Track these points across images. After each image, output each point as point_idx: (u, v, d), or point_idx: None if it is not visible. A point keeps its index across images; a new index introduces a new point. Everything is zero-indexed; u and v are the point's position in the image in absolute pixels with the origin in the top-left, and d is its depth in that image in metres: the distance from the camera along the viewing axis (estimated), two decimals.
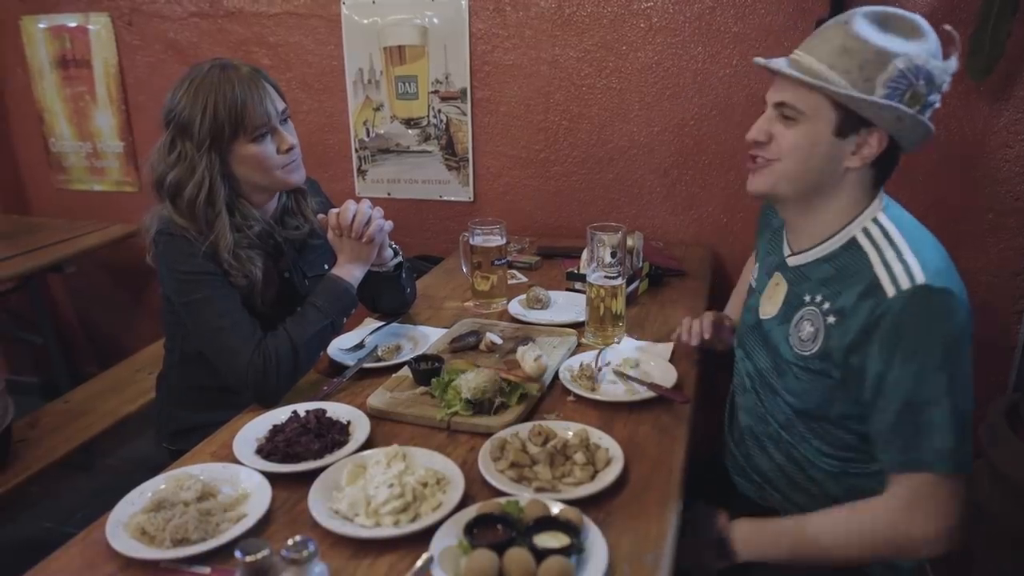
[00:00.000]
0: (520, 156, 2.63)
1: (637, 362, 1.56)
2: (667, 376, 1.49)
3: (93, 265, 3.27)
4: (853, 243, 1.25)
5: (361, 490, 1.12)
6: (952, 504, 1.14)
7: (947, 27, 1.22)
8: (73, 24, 3.05)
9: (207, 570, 1.03)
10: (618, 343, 1.67)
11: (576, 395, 1.45)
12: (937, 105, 1.21)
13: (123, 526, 1.10)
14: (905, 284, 1.13)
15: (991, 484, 2.01)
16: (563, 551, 0.96)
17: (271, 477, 1.19)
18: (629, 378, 1.48)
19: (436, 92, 2.63)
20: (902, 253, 1.17)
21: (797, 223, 1.35)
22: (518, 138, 2.61)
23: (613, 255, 1.64)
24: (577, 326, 1.77)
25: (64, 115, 3.20)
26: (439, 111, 2.65)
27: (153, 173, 1.56)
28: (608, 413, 1.40)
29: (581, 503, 1.10)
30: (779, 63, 1.23)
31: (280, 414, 1.38)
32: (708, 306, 1.95)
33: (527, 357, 1.49)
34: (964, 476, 1.15)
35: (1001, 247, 2.21)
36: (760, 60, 1.26)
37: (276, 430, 1.32)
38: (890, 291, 1.14)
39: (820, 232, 1.30)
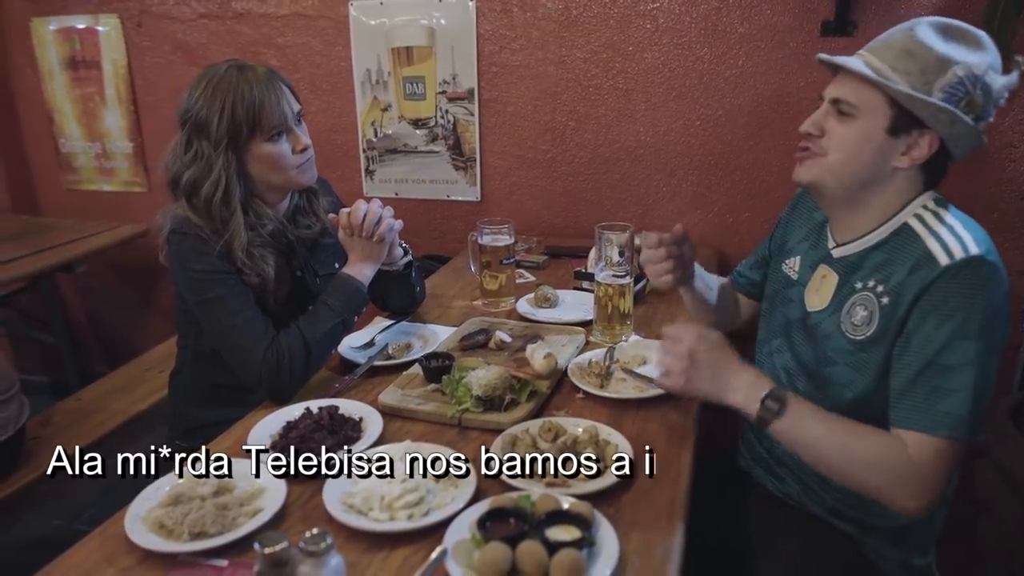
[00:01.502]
0: (527, 156, 2.64)
1: (645, 360, 1.57)
2: None
3: (103, 265, 3.29)
4: (905, 228, 1.27)
5: (375, 484, 1.13)
6: (946, 472, 1.16)
7: (1019, 57, 1.25)
8: (83, 26, 3.08)
9: (225, 563, 1.05)
10: (626, 341, 1.69)
11: (585, 392, 1.47)
12: (991, 119, 1.24)
13: (141, 520, 1.12)
14: (959, 254, 1.16)
15: (997, 482, 2.02)
16: (575, 544, 0.98)
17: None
18: (637, 375, 1.50)
19: (443, 93, 2.65)
20: (955, 229, 1.20)
21: (840, 216, 1.36)
22: (525, 138, 2.63)
23: (621, 254, 1.65)
24: (585, 324, 1.78)
25: (74, 116, 3.23)
26: (446, 111, 2.67)
27: (168, 172, 1.58)
28: (617, 410, 1.41)
29: (591, 498, 1.11)
30: (847, 60, 1.25)
31: (293, 411, 1.40)
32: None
33: (536, 355, 1.51)
34: (965, 441, 1.16)
35: (1006, 246, 2.22)
36: (824, 56, 1.29)
37: (290, 426, 1.34)
38: (943, 260, 1.17)
39: (866, 224, 1.31)
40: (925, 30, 1.21)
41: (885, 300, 1.24)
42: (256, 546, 0.87)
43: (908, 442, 1.17)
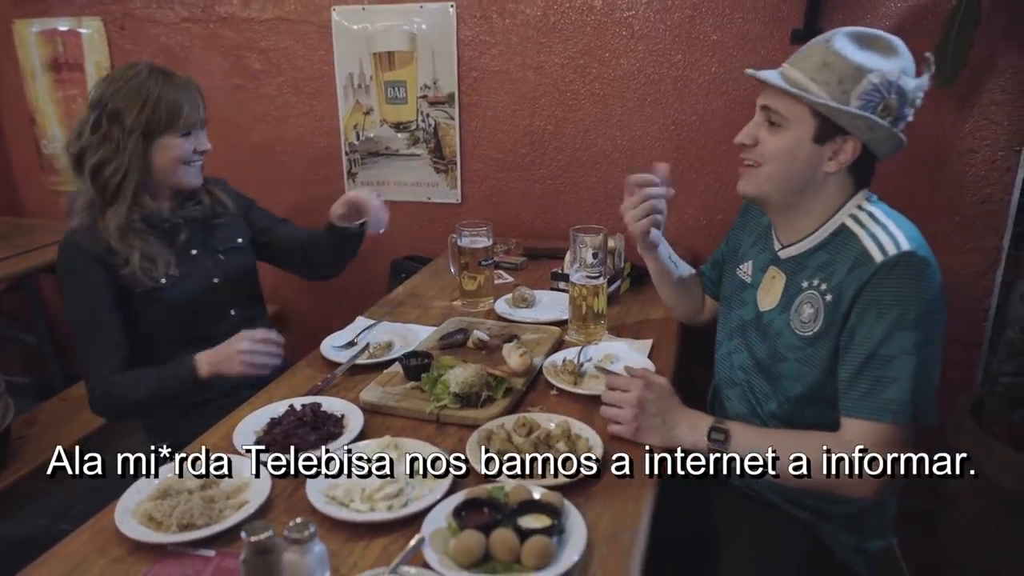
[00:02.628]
0: (507, 160, 2.70)
1: (617, 358, 1.63)
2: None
3: None
4: (843, 228, 1.36)
5: (356, 478, 1.19)
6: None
7: (927, 55, 1.34)
8: (65, 28, 3.09)
9: (212, 553, 1.10)
10: (599, 340, 1.75)
11: (559, 389, 1.52)
12: (910, 119, 1.33)
13: (131, 513, 1.16)
14: (892, 251, 1.25)
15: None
16: (545, 531, 1.04)
17: None
18: (610, 373, 1.56)
19: (425, 97, 2.70)
20: (888, 227, 1.30)
21: (783, 220, 1.46)
22: (504, 142, 2.68)
23: (595, 256, 1.71)
24: (561, 324, 1.84)
25: (56, 117, 3.25)
26: (427, 115, 2.72)
27: (71, 149, 1.74)
28: (589, 406, 1.47)
29: (562, 488, 1.17)
30: (767, 74, 1.34)
31: (277, 408, 1.45)
32: None
33: (512, 354, 1.56)
34: (915, 425, 1.25)
35: (968, 248, 2.30)
36: (751, 71, 1.37)
37: (274, 423, 1.39)
38: (878, 257, 1.26)
39: (807, 226, 1.41)
40: (841, 41, 1.29)
41: (829, 298, 1.32)
42: (243, 535, 0.92)
43: (856, 430, 1.26)
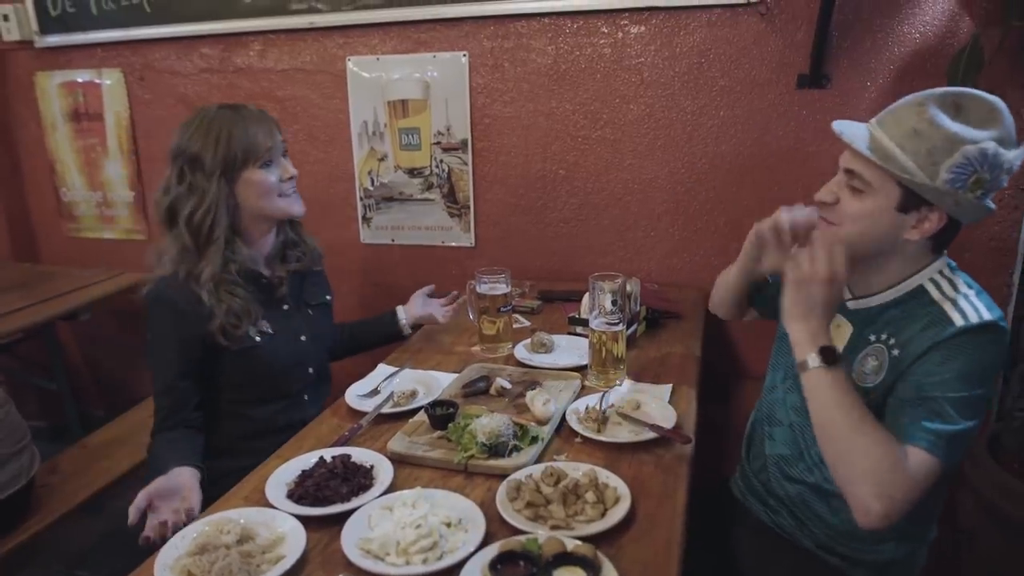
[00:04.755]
0: (519, 203, 2.74)
1: (639, 403, 1.65)
2: (667, 416, 1.59)
3: (101, 311, 3.35)
4: (920, 290, 1.33)
5: (390, 531, 1.20)
6: (918, 487, 1.20)
7: None
8: (86, 79, 3.17)
9: None
10: (620, 385, 1.77)
11: (583, 437, 1.55)
12: (1003, 186, 1.28)
13: (170, 569, 1.18)
14: (974, 319, 1.23)
15: (976, 510, 2.10)
16: None
17: (304, 520, 1.28)
18: (632, 420, 1.58)
19: (438, 143, 2.76)
20: (969, 298, 1.27)
21: (855, 276, 1.42)
22: (517, 186, 2.73)
23: (614, 302, 1.74)
24: (580, 369, 1.86)
25: (76, 166, 3.32)
26: (441, 161, 2.77)
27: (160, 206, 1.73)
28: (614, 453, 1.49)
29: (593, 539, 1.19)
30: (854, 135, 1.30)
31: (308, 459, 1.47)
32: (703, 346, 2.06)
33: (536, 401, 1.59)
34: (941, 466, 1.21)
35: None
36: (836, 127, 1.32)
37: (305, 475, 1.41)
38: (958, 322, 1.24)
39: (880, 283, 1.38)
40: (935, 108, 1.24)
41: (896, 352, 1.31)
42: None
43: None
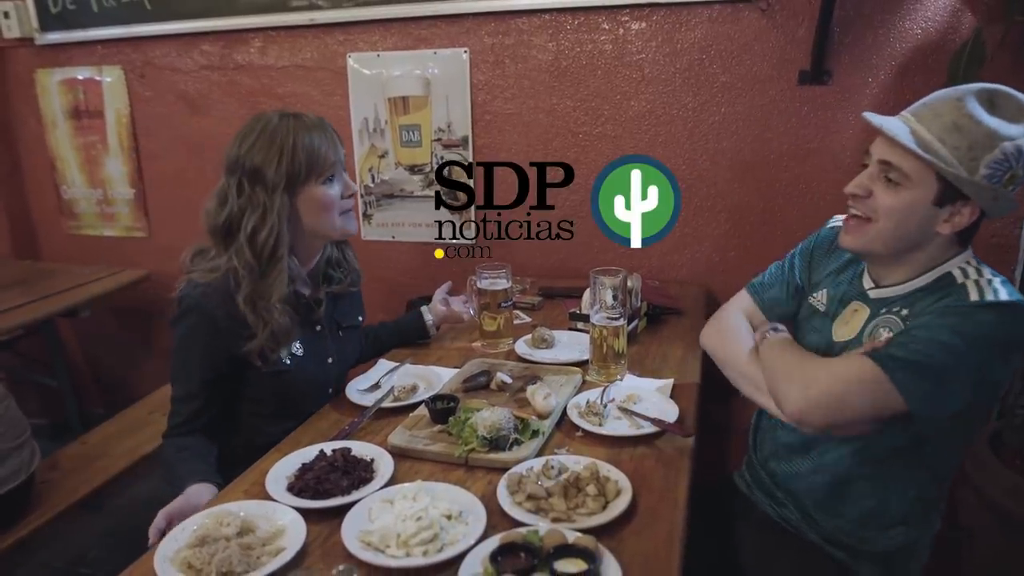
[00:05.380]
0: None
1: (639, 398, 1.65)
2: (668, 410, 1.59)
3: (102, 308, 3.35)
4: (947, 276, 1.34)
5: (391, 523, 1.20)
6: (849, 394, 1.28)
7: None
8: (86, 76, 3.17)
9: None
10: (621, 380, 1.77)
11: (584, 430, 1.54)
12: None
13: (170, 561, 1.18)
14: (990, 298, 1.24)
15: (978, 508, 2.10)
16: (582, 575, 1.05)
17: (304, 512, 1.27)
18: (633, 414, 1.58)
19: (439, 140, 2.75)
20: (993, 283, 1.28)
21: (880, 267, 1.43)
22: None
23: (614, 297, 1.74)
24: (581, 364, 1.86)
25: (76, 163, 3.32)
26: (442, 158, 2.77)
27: (213, 219, 1.62)
28: (615, 447, 1.49)
29: (595, 532, 1.18)
30: (894, 128, 1.29)
31: (308, 453, 1.46)
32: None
33: (537, 395, 1.58)
34: (883, 376, 1.25)
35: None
36: (873, 119, 1.31)
37: (305, 468, 1.41)
38: (974, 297, 1.25)
39: (906, 274, 1.39)
40: (973, 103, 1.25)
41: (909, 322, 1.32)
42: None
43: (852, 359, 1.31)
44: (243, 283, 1.58)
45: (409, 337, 2.10)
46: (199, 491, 1.47)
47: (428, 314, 2.10)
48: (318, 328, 1.78)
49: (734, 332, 1.61)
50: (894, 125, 1.30)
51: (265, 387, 1.67)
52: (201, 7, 2.89)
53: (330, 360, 1.80)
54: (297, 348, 1.70)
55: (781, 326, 1.56)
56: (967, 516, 2.16)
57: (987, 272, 1.32)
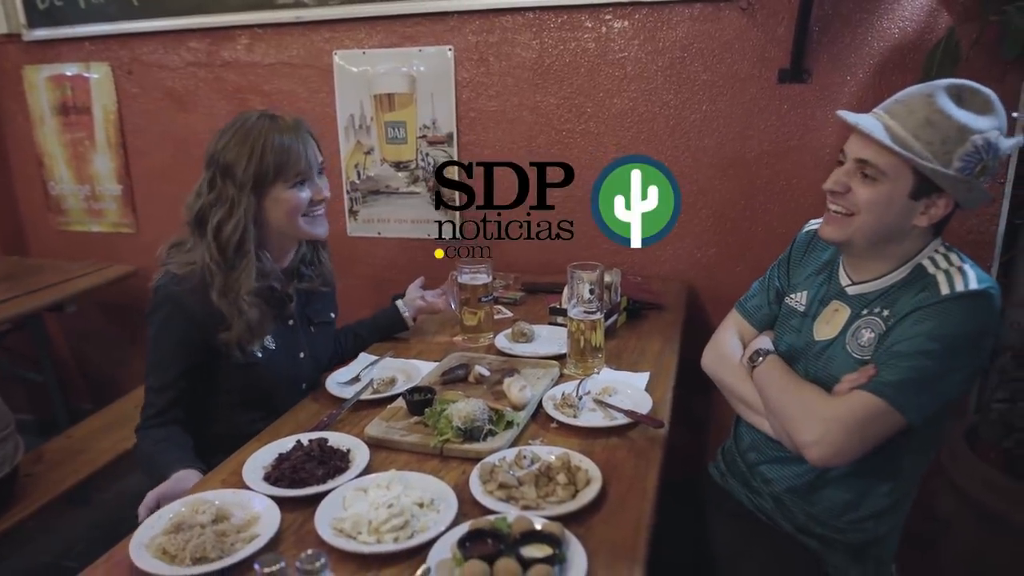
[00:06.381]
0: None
1: (615, 390, 1.67)
2: (643, 403, 1.60)
3: (89, 304, 3.36)
4: (919, 268, 1.39)
5: (363, 511, 1.22)
6: (858, 427, 1.31)
7: (1015, 115, 1.38)
8: (74, 73, 3.18)
9: None
10: (598, 373, 1.79)
11: (559, 422, 1.56)
12: (996, 173, 1.36)
13: (145, 547, 1.20)
14: (960, 287, 1.29)
15: (954, 500, 2.13)
16: (547, 560, 1.07)
17: (279, 501, 1.29)
18: (607, 406, 1.60)
19: (424, 137, 2.77)
20: (963, 268, 1.33)
21: (858, 261, 1.48)
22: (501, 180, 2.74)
23: (591, 291, 1.76)
24: (559, 358, 1.88)
25: (63, 159, 3.32)
26: (427, 154, 2.79)
27: (191, 211, 1.67)
28: (588, 438, 1.51)
29: (563, 519, 1.21)
30: (870, 127, 1.32)
31: (286, 443, 1.48)
32: (683, 336, 2.08)
33: (513, 388, 1.61)
34: (888, 408, 1.30)
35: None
36: (848, 117, 1.35)
37: (282, 458, 1.43)
38: (944, 290, 1.30)
39: (882, 268, 1.43)
40: (943, 98, 1.30)
41: (891, 322, 1.36)
42: (256, 567, 0.95)
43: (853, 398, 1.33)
44: (215, 276, 1.62)
45: (387, 331, 2.12)
46: (186, 475, 1.50)
47: (404, 307, 2.11)
48: (290, 323, 1.80)
49: (731, 359, 1.67)
50: (869, 123, 1.33)
51: (236, 379, 1.70)
52: (188, 4, 2.90)
53: (302, 355, 1.82)
54: (269, 341, 1.72)
55: (764, 346, 1.59)
56: (944, 509, 2.19)
57: (955, 258, 1.36)
